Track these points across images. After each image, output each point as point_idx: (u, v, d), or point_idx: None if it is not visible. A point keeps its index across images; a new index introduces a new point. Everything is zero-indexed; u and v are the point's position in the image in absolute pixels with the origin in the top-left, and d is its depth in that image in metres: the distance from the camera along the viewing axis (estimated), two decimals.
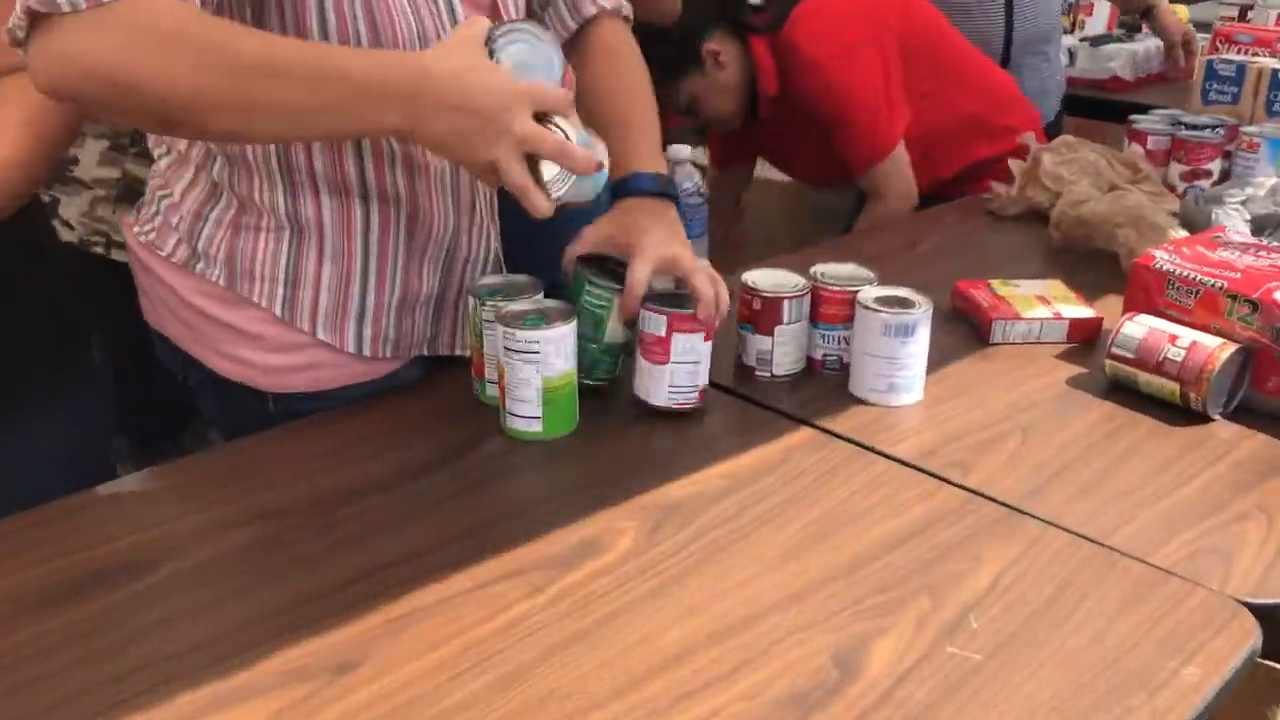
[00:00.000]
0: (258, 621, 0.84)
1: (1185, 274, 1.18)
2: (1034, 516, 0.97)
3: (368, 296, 1.14)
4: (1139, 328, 1.16)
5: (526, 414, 1.08)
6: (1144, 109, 1.99)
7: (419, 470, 1.04)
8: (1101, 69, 2.69)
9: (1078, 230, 1.56)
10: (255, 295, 1.12)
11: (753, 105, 1.87)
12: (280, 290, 1.12)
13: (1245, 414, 1.14)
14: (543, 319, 1.06)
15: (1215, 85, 2.06)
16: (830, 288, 1.20)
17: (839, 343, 1.21)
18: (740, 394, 1.19)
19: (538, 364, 1.05)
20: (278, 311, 1.12)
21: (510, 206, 1.04)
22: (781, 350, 1.20)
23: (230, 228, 1.11)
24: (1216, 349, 1.10)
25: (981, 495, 1.00)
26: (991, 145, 1.91)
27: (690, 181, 1.31)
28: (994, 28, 2.20)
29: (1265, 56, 2.16)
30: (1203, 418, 1.12)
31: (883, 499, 1.00)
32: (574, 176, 0.95)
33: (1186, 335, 1.13)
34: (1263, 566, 0.90)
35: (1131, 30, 2.80)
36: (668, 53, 1.76)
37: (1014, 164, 1.77)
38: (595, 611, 0.84)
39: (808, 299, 1.20)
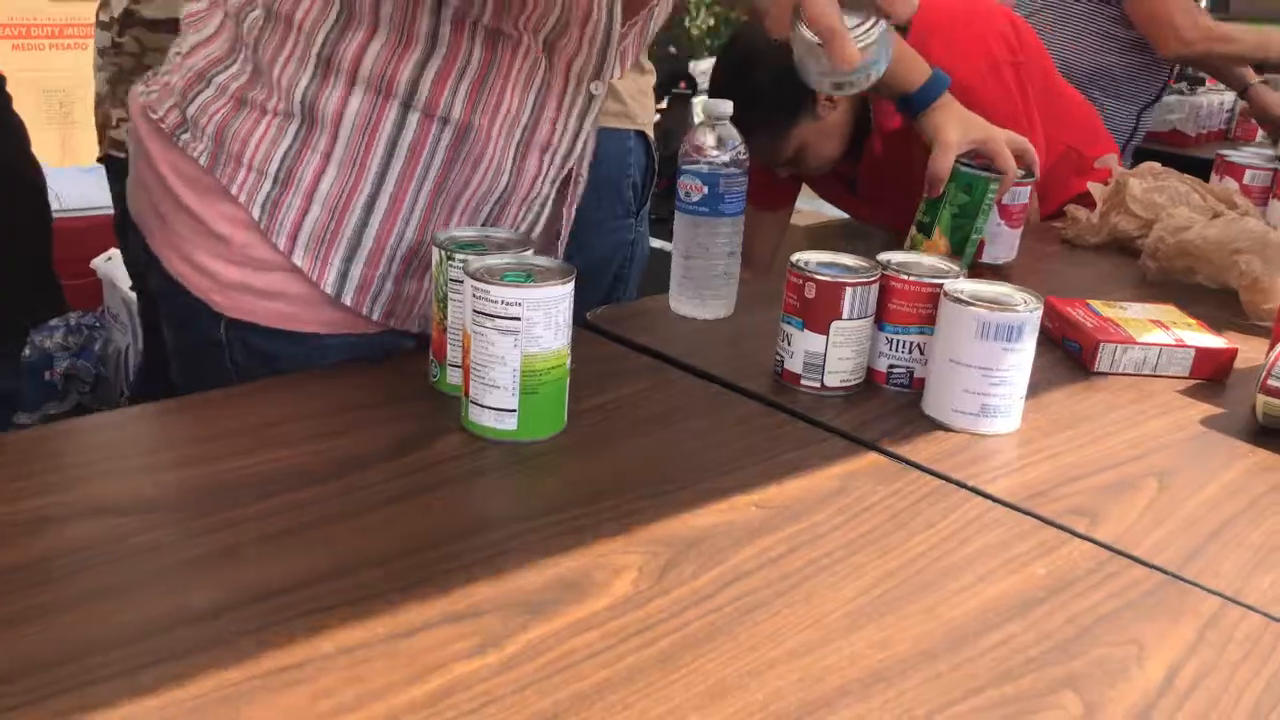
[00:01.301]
0: (59, 662, 0.54)
1: None
2: (1204, 588, 0.69)
3: (369, 229, 0.90)
4: None
5: (497, 404, 0.79)
6: (1207, 164, 1.75)
7: (345, 467, 0.75)
8: (1161, 121, 2.47)
9: (1178, 261, 1.30)
10: (235, 185, 0.88)
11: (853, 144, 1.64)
12: (265, 187, 0.88)
13: None
14: (528, 276, 0.79)
15: None
16: (905, 277, 0.92)
17: (911, 350, 0.93)
18: (777, 404, 0.91)
19: (517, 335, 0.77)
20: (255, 213, 0.88)
21: None
22: (838, 354, 0.92)
23: (232, 100, 0.90)
24: None
25: (1125, 555, 0.72)
26: (1084, 180, 1.66)
27: (731, 148, 1.04)
28: None
29: None
30: None
31: (986, 550, 0.71)
32: (879, 33, 0.77)
33: None
34: None
35: (1194, 83, 2.58)
36: (779, 99, 1.53)
37: (1095, 188, 1.52)
38: (575, 682, 0.56)
39: (876, 290, 0.92)
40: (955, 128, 1.23)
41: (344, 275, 0.91)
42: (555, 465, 0.79)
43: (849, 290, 0.90)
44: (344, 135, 0.88)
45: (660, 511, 0.72)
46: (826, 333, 0.91)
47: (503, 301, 0.76)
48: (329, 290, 0.91)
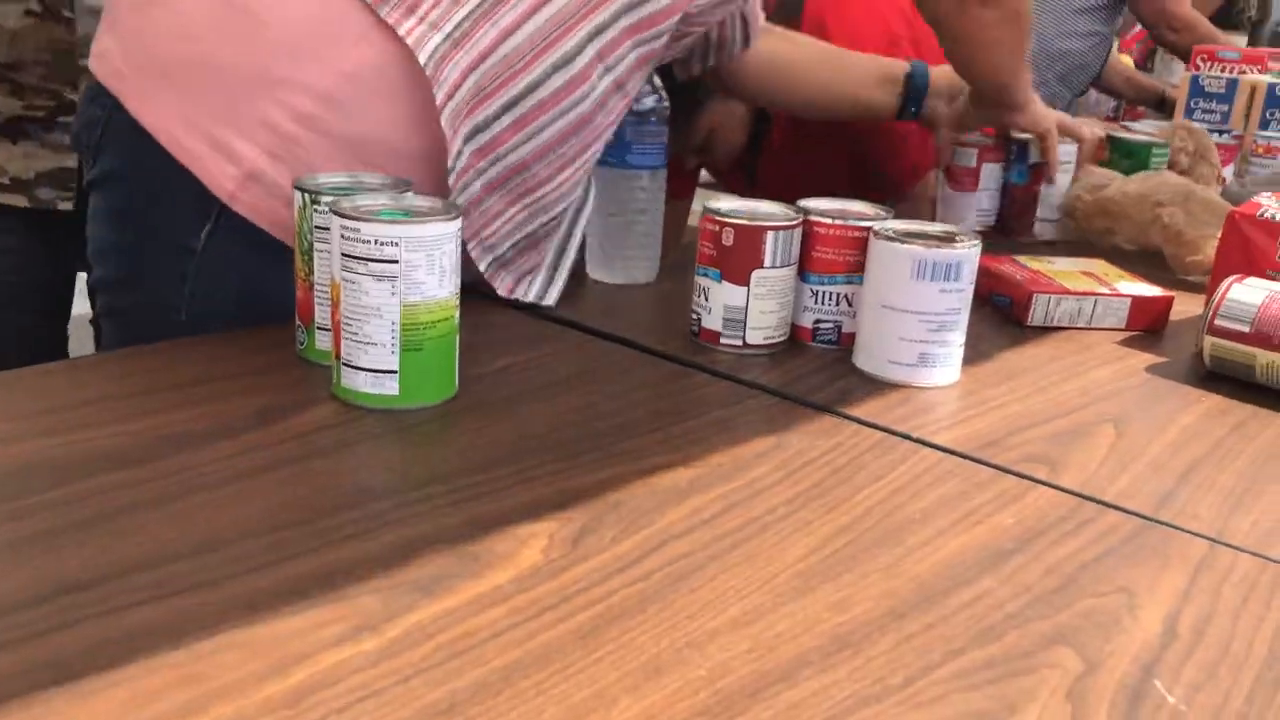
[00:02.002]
0: None
1: None
2: (1186, 531, 0.61)
3: (497, 124, 0.84)
4: (1255, 291, 0.83)
5: (374, 365, 0.68)
6: None
7: (188, 441, 0.63)
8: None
9: (1097, 220, 1.25)
10: (403, 29, 0.78)
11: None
12: (435, 39, 0.79)
13: None
14: (406, 215, 0.68)
15: (1201, 103, 1.82)
16: (829, 221, 0.84)
17: (838, 303, 0.85)
18: (696, 364, 0.82)
19: (395, 281, 0.66)
20: (424, 55, 0.78)
21: None
22: (760, 307, 0.83)
23: None
24: None
25: (1095, 500, 0.64)
26: None
27: (650, 99, 0.96)
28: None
29: (1255, 73, 1.94)
30: None
31: (944, 501, 0.63)
32: None
33: None
34: None
35: None
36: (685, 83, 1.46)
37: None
38: (475, 667, 0.45)
39: (799, 234, 0.84)
40: (1041, 104, 1.26)
41: (459, 152, 0.82)
42: (443, 433, 0.68)
43: (770, 235, 0.81)
44: (527, 28, 0.82)
45: (570, 476, 0.62)
46: (747, 283, 0.82)
47: (376, 241, 0.65)
48: (449, 161, 0.81)
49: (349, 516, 0.56)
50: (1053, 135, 1.24)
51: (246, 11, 0.80)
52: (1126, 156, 1.33)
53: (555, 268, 0.95)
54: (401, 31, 0.79)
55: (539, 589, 0.51)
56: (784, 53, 1.24)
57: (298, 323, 0.76)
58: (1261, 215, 0.89)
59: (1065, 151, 1.27)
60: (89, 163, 0.88)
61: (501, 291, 0.90)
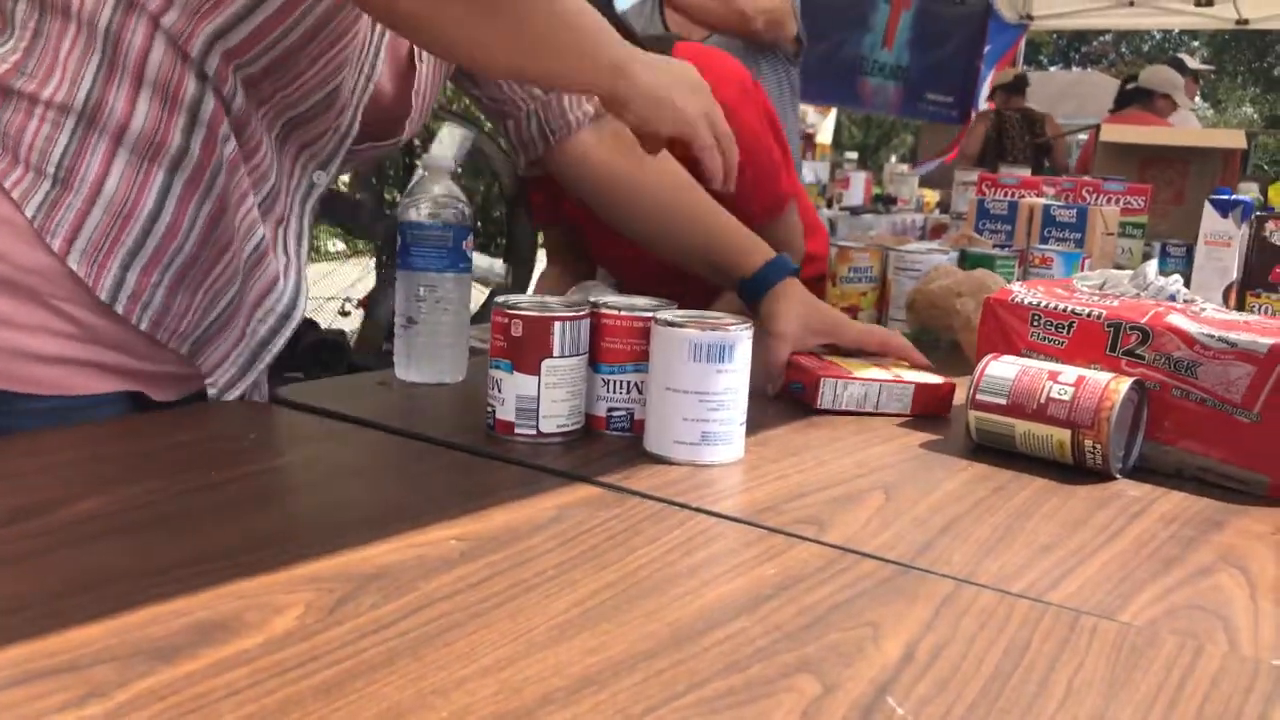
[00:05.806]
0: None
1: (1054, 305, 0.94)
2: (936, 574, 0.64)
3: (150, 240, 0.86)
4: (1008, 367, 0.90)
5: None
6: None
7: None
8: (863, 238, 2.64)
9: (929, 313, 1.30)
10: (10, 180, 0.81)
11: None
12: (44, 187, 0.82)
13: (1145, 474, 0.88)
14: None
15: (989, 224, 1.97)
16: (615, 312, 0.87)
17: (629, 391, 0.88)
18: (488, 454, 0.83)
19: None
20: (30, 211, 0.81)
21: None
22: (551, 396, 0.85)
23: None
24: (1111, 381, 0.85)
25: (855, 552, 0.67)
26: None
27: (453, 205, 0.99)
28: None
29: (1032, 197, 2.12)
30: (1101, 476, 0.85)
31: (711, 558, 0.65)
32: None
33: (1071, 371, 0.88)
34: (1275, 625, 0.61)
35: (888, 203, 2.78)
36: None
37: None
38: None
39: (587, 324, 0.87)
40: (794, 319, 1.05)
41: (119, 282, 0.84)
42: (202, 522, 0.67)
43: (558, 325, 0.84)
44: (130, 138, 0.83)
45: (337, 554, 0.61)
46: (538, 373, 0.84)
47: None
48: (104, 296, 0.83)
49: (88, 598, 0.54)
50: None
51: None
52: (975, 267, 1.41)
53: (254, 357, 0.94)
54: (7, 184, 0.81)
55: (286, 652, 0.50)
56: (630, 177, 1.12)
57: None
58: (1013, 300, 0.97)
59: None
60: None
61: (205, 370, 0.92)
